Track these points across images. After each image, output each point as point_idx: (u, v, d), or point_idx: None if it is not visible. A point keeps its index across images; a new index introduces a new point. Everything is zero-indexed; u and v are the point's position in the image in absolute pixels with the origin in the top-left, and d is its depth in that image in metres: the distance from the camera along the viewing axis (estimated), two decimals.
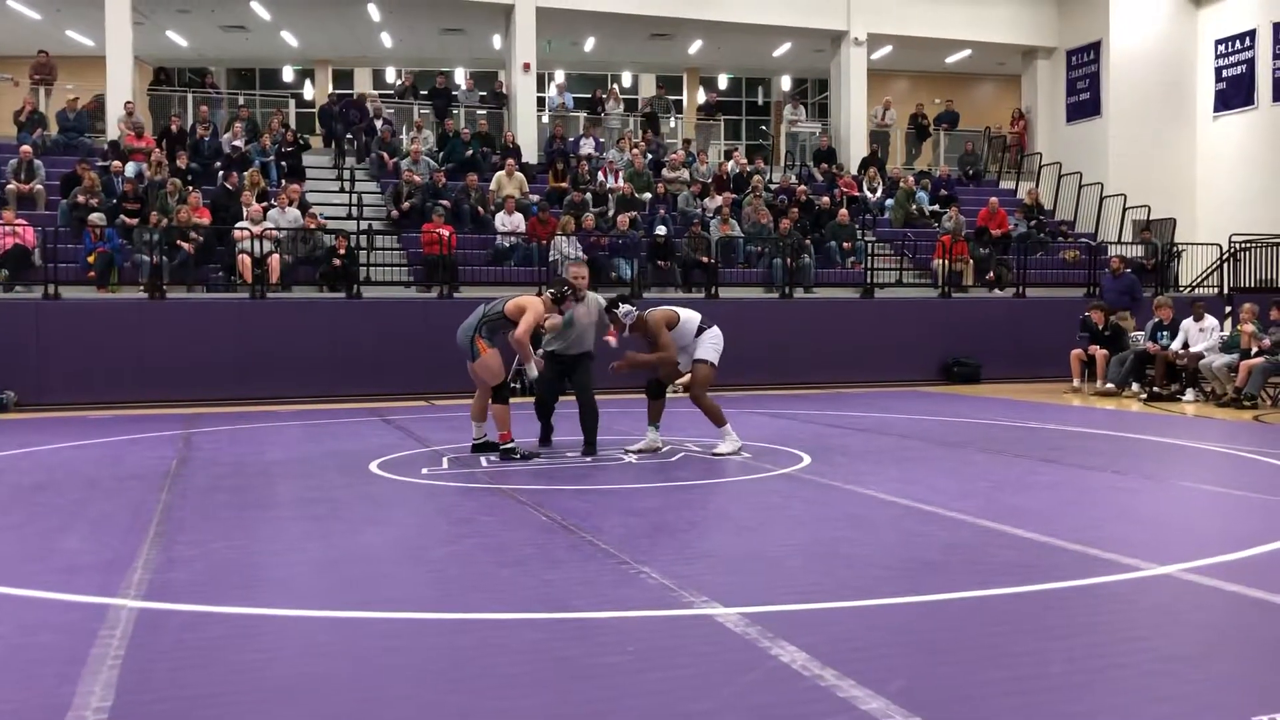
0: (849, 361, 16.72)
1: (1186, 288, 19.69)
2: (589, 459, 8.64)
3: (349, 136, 20.03)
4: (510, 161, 18.42)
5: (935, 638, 4.00)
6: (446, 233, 15.96)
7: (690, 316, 8.86)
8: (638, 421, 9.68)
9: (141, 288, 14.74)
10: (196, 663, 3.78)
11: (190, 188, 16.34)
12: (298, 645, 4.04)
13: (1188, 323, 14.40)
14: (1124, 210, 20.83)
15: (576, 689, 3.49)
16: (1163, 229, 20.54)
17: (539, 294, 8.87)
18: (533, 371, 8.73)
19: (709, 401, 8.81)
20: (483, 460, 8.60)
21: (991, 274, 18.51)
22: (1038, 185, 22.10)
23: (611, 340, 9.16)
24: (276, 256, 15.27)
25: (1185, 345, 14.24)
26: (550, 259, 16.24)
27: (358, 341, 14.75)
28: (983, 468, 8.29)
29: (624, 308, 8.64)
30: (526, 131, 20.78)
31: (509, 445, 8.58)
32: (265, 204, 16.10)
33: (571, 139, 20.77)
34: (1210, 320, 14.41)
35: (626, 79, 30.25)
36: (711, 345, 8.80)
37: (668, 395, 9.12)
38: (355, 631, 4.18)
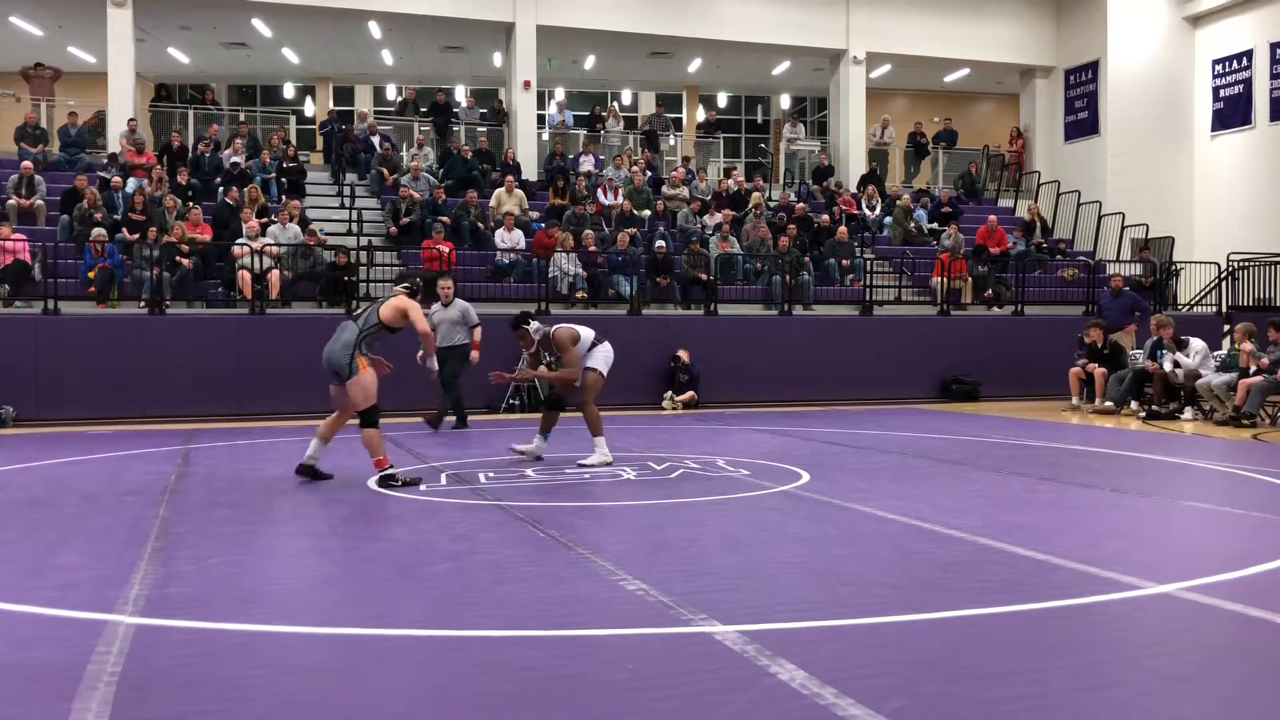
0: (848, 379, 16.73)
1: (1185, 306, 19.73)
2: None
3: (346, 148, 20.06)
4: (510, 178, 18.47)
5: (934, 656, 3.99)
6: (446, 249, 15.99)
7: (587, 334, 9.38)
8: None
9: (141, 303, 14.76)
10: (194, 679, 3.77)
11: (191, 204, 16.36)
12: (296, 662, 4.03)
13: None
14: (1122, 229, 20.88)
15: (575, 707, 3.48)
16: (1161, 247, 20.58)
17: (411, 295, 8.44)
18: (434, 365, 8.92)
19: (594, 410, 9.27)
20: (373, 487, 8.57)
21: (990, 292, 18.53)
22: (1036, 203, 22.15)
23: (474, 355, 11.74)
24: (276, 272, 15.29)
25: (1176, 365, 14.24)
26: (550, 275, 16.27)
27: None
28: (981, 485, 8.28)
29: (534, 324, 9.34)
30: (526, 148, 20.86)
31: (388, 471, 8.12)
32: (265, 220, 16.13)
33: (571, 156, 20.84)
34: (1197, 343, 14.35)
35: (626, 97, 30.38)
36: (603, 357, 9.33)
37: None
38: (353, 649, 4.16)
